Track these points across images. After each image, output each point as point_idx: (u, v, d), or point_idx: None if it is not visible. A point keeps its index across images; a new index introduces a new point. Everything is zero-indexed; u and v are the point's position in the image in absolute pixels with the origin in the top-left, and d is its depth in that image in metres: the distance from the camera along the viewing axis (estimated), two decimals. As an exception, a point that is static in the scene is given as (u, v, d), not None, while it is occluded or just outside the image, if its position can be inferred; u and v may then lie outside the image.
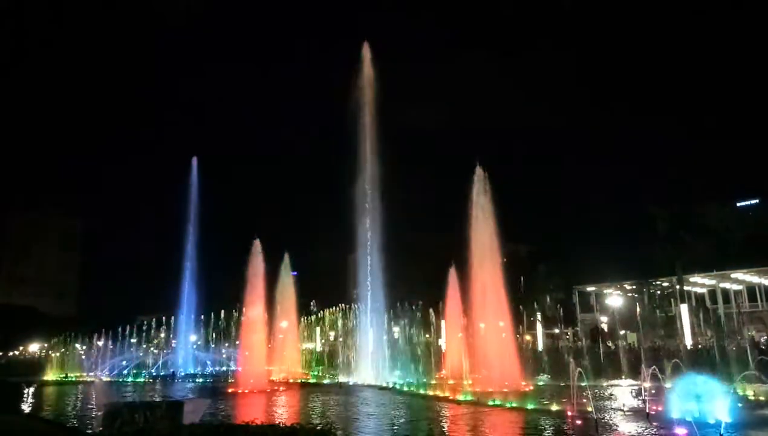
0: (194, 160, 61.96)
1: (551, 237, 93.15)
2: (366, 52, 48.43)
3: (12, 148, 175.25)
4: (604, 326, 77.66)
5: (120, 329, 59.43)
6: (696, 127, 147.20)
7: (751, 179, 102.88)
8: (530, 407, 23.17)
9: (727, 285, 78.14)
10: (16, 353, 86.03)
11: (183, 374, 50.58)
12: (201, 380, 45.84)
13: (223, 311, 58.95)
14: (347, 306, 53.68)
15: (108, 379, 47.53)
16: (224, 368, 52.03)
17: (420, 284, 62.20)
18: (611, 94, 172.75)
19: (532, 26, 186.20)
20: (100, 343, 58.11)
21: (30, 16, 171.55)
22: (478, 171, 35.79)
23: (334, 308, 60.80)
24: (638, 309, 66.34)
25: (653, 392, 22.63)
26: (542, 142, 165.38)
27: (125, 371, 51.20)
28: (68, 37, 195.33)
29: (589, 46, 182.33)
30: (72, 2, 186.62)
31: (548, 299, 73.29)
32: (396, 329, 50.56)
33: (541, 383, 35.28)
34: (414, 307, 49.53)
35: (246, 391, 33.70)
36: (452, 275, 41.58)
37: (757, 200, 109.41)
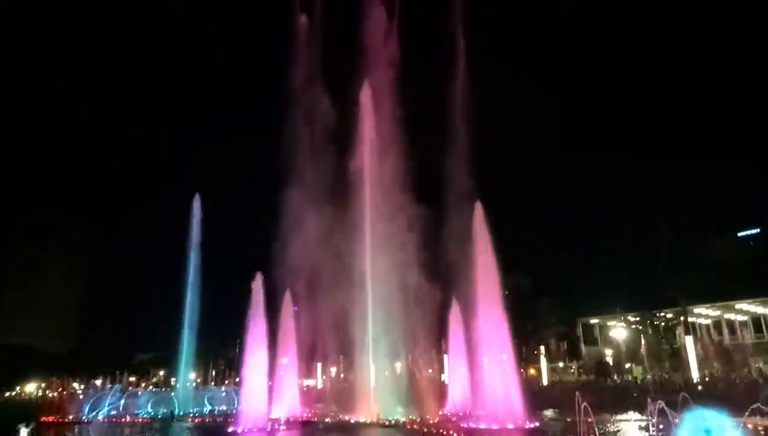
0: (196, 198, 62.15)
1: (552, 269, 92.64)
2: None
3: (9, 182, 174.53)
4: (609, 360, 76.62)
5: (118, 368, 58.72)
6: (696, 155, 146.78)
7: (751, 209, 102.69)
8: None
9: (731, 316, 77.59)
10: (13, 393, 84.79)
11: (182, 413, 49.71)
12: (200, 419, 45.03)
13: (222, 348, 58.29)
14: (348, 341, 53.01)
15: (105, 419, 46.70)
16: (224, 407, 51.14)
17: (422, 318, 61.60)
18: (612, 119, 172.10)
19: (528, 40, 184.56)
20: (98, 382, 57.33)
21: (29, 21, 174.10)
22: (478, 206, 36.16)
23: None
24: (643, 341, 65.69)
25: (661, 426, 22.20)
26: (541, 173, 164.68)
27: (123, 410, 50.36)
28: (67, 48, 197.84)
29: (588, 67, 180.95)
30: (70, 8, 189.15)
31: (551, 332, 72.65)
32: (398, 365, 49.85)
33: (546, 419, 34.65)
34: (416, 342, 48.94)
35: (246, 430, 33.08)
36: (454, 310, 41.51)
37: (758, 230, 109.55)
